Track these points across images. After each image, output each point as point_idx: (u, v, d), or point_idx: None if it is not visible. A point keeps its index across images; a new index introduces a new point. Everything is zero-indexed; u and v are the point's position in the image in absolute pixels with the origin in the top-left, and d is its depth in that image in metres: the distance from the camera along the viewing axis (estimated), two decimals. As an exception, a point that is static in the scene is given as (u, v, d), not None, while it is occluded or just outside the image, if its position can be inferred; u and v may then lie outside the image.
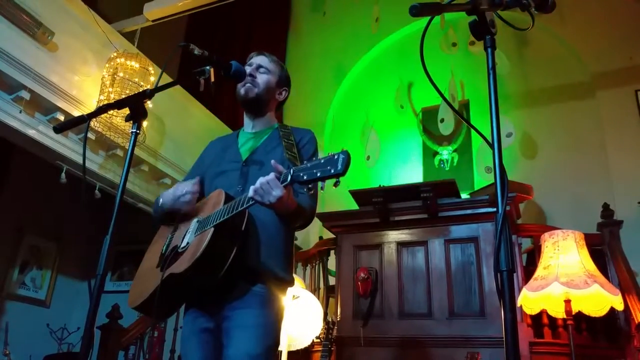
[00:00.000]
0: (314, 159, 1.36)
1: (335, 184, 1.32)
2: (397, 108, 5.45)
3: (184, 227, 1.72)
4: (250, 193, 1.46)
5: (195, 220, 1.67)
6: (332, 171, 1.28)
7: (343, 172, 1.27)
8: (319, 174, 1.31)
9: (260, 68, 1.92)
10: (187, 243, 1.61)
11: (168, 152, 4.72)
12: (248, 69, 1.89)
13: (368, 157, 5.21)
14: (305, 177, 1.34)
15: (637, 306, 2.98)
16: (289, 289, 1.77)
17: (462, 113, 5.04)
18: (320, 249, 3.94)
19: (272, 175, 1.44)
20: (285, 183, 1.42)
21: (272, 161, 1.48)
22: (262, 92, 1.89)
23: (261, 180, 1.44)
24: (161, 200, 1.80)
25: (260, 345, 1.58)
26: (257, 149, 1.85)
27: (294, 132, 1.88)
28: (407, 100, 5.52)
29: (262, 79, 1.90)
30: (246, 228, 1.57)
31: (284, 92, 2.00)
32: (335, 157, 1.30)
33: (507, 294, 1.02)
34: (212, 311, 1.65)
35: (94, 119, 3.70)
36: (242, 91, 1.89)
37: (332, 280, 3.83)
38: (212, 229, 1.51)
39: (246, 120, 1.99)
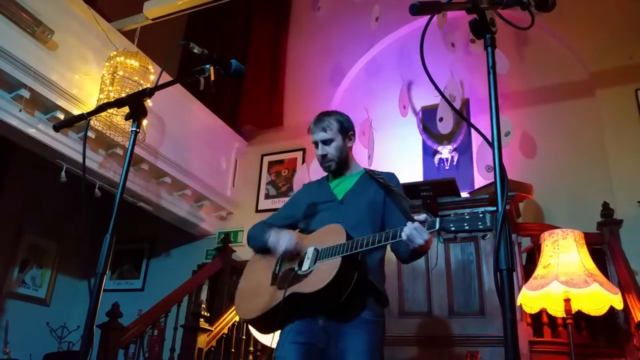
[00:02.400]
0: (460, 214, 1.60)
1: (483, 237, 1.60)
2: (397, 107, 5.44)
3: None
4: (404, 237, 1.68)
5: (312, 248, 1.91)
6: (481, 226, 1.53)
7: (491, 229, 1.47)
8: (467, 227, 1.56)
9: (325, 143, 2.12)
10: (309, 268, 1.86)
11: (168, 151, 4.72)
12: (318, 151, 2.13)
13: (369, 157, 5.22)
14: (452, 228, 1.60)
15: (637, 305, 2.98)
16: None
17: (461, 112, 5.04)
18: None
19: (416, 223, 1.67)
20: (433, 229, 1.64)
21: (417, 217, 1.71)
22: (339, 159, 2.13)
23: (410, 226, 1.67)
24: (269, 239, 2.04)
25: None
26: (350, 190, 2.10)
27: (383, 176, 2.10)
28: (407, 99, 5.51)
29: (332, 151, 2.11)
30: (362, 258, 1.83)
31: (352, 137, 2.19)
32: (482, 215, 1.54)
33: (507, 293, 1.02)
34: (323, 329, 1.86)
35: (94, 118, 3.71)
36: (326, 168, 2.16)
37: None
38: (341, 258, 1.76)
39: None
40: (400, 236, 1.70)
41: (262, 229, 2.14)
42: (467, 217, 1.56)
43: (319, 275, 1.80)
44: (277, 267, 2.01)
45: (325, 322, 1.86)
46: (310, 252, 1.91)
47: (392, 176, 2.15)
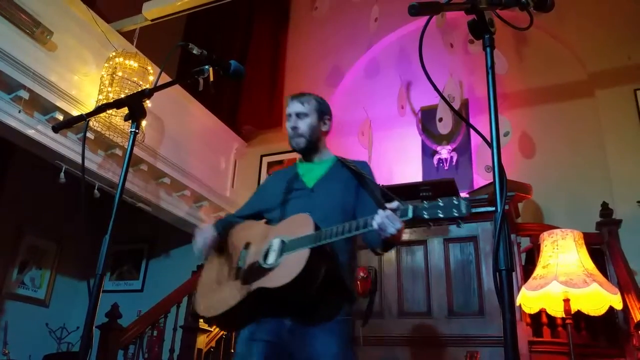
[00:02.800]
0: (434, 201, 1.48)
1: (458, 225, 1.48)
2: (396, 107, 5.45)
3: (260, 244, 1.83)
4: (374, 226, 1.58)
5: (278, 239, 1.77)
6: (457, 214, 1.44)
7: (466, 215, 1.41)
8: (441, 214, 1.45)
9: (298, 116, 2.03)
10: (275, 261, 1.72)
11: (167, 152, 4.72)
12: (288, 124, 2.03)
13: (369, 158, 5.23)
14: (426, 216, 1.49)
15: (636, 305, 2.98)
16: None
17: (460, 112, 5.04)
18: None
19: (388, 211, 1.57)
20: (405, 218, 1.55)
21: (388, 205, 1.60)
22: (310, 137, 2.02)
23: (382, 215, 1.57)
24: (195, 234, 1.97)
25: None
26: (322, 178, 1.99)
27: (356, 163, 2.00)
28: (406, 99, 5.51)
29: (304, 126, 2.02)
30: (331, 250, 1.73)
31: (327, 122, 2.10)
32: (458, 201, 1.44)
33: (506, 293, 1.02)
34: (291, 329, 1.76)
35: (93, 119, 3.71)
36: (294, 144, 2.03)
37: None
38: (309, 250, 1.64)
39: (303, 158, 2.12)
40: (371, 225, 1.60)
41: (221, 221, 2.07)
42: (441, 204, 1.45)
43: (285, 268, 1.67)
44: (241, 260, 1.87)
45: (292, 323, 1.76)
46: (276, 243, 1.77)
47: (364, 165, 2.04)
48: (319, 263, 1.66)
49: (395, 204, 1.58)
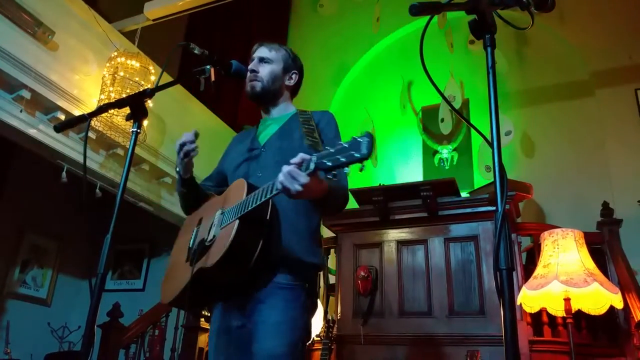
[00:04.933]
0: (337, 143, 1.31)
1: (361, 169, 1.29)
2: (397, 107, 5.45)
3: (209, 219, 1.70)
4: (277, 185, 1.41)
5: (219, 212, 1.64)
6: (357, 155, 1.25)
7: (368, 156, 1.24)
8: (343, 160, 1.27)
9: (261, 61, 1.89)
10: (214, 236, 1.59)
11: (168, 151, 4.72)
12: (250, 66, 1.87)
13: (374, 157, 5.24)
14: (329, 164, 1.30)
15: (637, 304, 2.98)
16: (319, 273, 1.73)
17: (461, 112, 5.04)
18: (320, 247, 3.94)
19: (291, 166, 1.38)
20: (309, 171, 1.36)
21: (292, 160, 1.41)
22: (267, 84, 1.87)
23: (283, 171, 1.39)
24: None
25: (282, 342, 1.55)
26: (274, 134, 1.83)
27: (314, 115, 1.84)
28: (407, 99, 5.52)
29: (264, 71, 1.87)
30: (271, 217, 1.55)
31: (294, 76, 1.96)
32: (359, 140, 1.26)
33: (507, 293, 1.02)
34: (240, 306, 1.64)
35: (95, 118, 3.70)
36: (248, 88, 1.87)
37: (332, 279, 3.84)
38: (237, 221, 1.49)
39: (263, 113, 1.97)
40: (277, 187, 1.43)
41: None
42: (344, 146, 1.28)
43: (218, 243, 1.53)
44: (192, 240, 1.74)
45: (240, 296, 1.63)
46: (217, 216, 1.64)
47: (323, 115, 1.86)
48: (253, 235, 1.51)
49: (299, 156, 1.39)
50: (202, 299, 1.71)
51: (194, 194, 1.88)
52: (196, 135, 1.74)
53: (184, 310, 1.91)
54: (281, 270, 1.61)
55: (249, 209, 1.49)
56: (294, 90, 2.00)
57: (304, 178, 1.37)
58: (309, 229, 1.72)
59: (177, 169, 1.81)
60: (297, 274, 1.64)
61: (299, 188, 1.38)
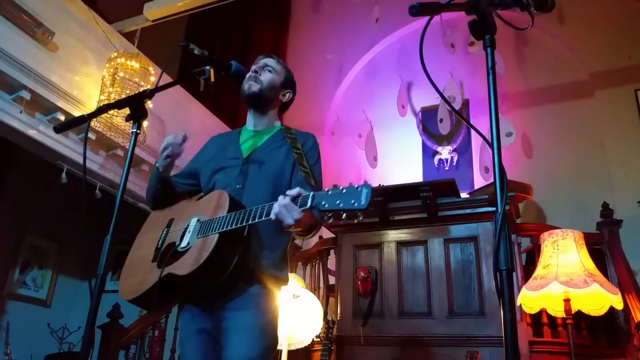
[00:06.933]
0: (335, 187, 1.35)
1: (358, 218, 1.32)
2: (396, 108, 5.45)
3: (181, 223, 1.72)
4: (272, 216, 1.44)
5: (195, 219, 1.66)
6: (356, 205, 1.29)
7: (366, 208, 1.28)
8: (341, 205, 1.30)
9: (266, 67, 1.92)
10: (188, 244, 1.61)
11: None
12: (254, 66, 1.91)
13: (375, 158, 5.24)
14: (326, 206, 1.33)
15: (637, 305, 2.98)
16: (283, 287, 1.79)
17: (461, 113, 5.04)
18: (320, 248, 3.94)
19: (287, 199, 1.42)
20: (304, 208, 1.40)
21: (289, 192, 1.44)
22: (265, 89, 1.89)
23: (280, 203, 1.42)
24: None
25: (258, 346, 1.61)
26: (258, 148, 1.84)
27: (298, 137, 1.86)
28: (407, 100, 5.52)
29: (266, 76, 1.91)
30: (248, 233, 1.59)
31: (287, 94, 1.98)
32: (359, 189, 1.29)
33: (507, 293, 1.02)
34: (209, 311, 1.67)
35: (95, 119, 3.70)
36: (246, 86, 1.89)
37: (332, 280, 3.84)
38: (217, 235, 1.52)
39: (249, 118, 1.98)
40: (269, 214, 1.45)
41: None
42: (343, 191, 1.31)
43: (194, 253, 1.55)
44: (161, 240, 1.74)
45: (209, 302, 1.65)
46: (193, 223, 1.65)
47: (308, 138, 1.87)
48: (230, 250, 1.54)
49: (296, 190, 1.42)
50: (165, 300, 1.72)
51: (166, 191, 1.91)
52: (184, 138, 1.79)
53: (145, 310, 1.89)
54: (253, 282, 1.65)
55: (233, 227, 1.51)
56: (284, 107, 2.02)
57: (298, 214, 1.41)
58: (282, 246, 1.77)
59: (157, 165, 1.85)
60: (268, 286, 1.68)
61: (291, 222, 1.41)
